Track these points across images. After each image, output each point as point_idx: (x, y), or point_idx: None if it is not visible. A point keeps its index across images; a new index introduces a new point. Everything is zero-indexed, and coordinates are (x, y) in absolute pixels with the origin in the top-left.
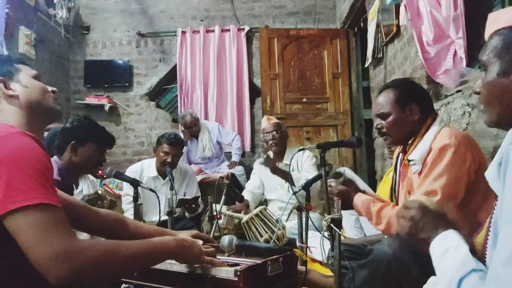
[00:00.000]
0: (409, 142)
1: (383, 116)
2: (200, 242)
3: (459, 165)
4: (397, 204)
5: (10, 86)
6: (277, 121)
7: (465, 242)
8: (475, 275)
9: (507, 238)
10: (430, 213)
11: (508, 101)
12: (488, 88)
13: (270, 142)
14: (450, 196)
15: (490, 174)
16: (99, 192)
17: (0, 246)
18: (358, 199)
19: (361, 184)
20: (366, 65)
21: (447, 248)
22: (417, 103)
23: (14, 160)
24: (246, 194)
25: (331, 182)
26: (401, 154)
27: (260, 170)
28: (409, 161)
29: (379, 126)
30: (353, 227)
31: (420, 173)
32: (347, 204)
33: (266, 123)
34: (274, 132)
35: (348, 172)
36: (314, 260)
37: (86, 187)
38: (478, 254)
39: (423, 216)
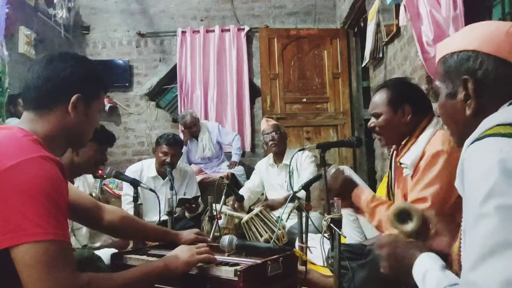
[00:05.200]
0: (403, 143)
1: (376, 116)
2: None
3: (451, 172)
4: (393, 201)
5: (79, 106)
6: (276, 122)
7: (438, 260)
8: None
9: (471, 243)
10: (402, 245)
11: (460, 120)
12: (442, 110)
13: (270, 143)
14: (440, 203)
15: (457, 183)
16: (93, 194)
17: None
18: (360, 191)
19: (360, 183)
20: (363, 65)
21: (425, 271)
22: (410, 105)
23: (32, 188)
24: (243, 192)
25: (331, 174)
26: (395, 152)
27: (261, 170)
28: (400, 163)
29: (372, 125)
30: (352, 228)
31: (412, 177)
32: (347, 196)
33: (265, 124)
34: (273, 133)
35: (347, 171)
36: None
37: (81, 184)
38: (455, 263)
39: (396, 251)
